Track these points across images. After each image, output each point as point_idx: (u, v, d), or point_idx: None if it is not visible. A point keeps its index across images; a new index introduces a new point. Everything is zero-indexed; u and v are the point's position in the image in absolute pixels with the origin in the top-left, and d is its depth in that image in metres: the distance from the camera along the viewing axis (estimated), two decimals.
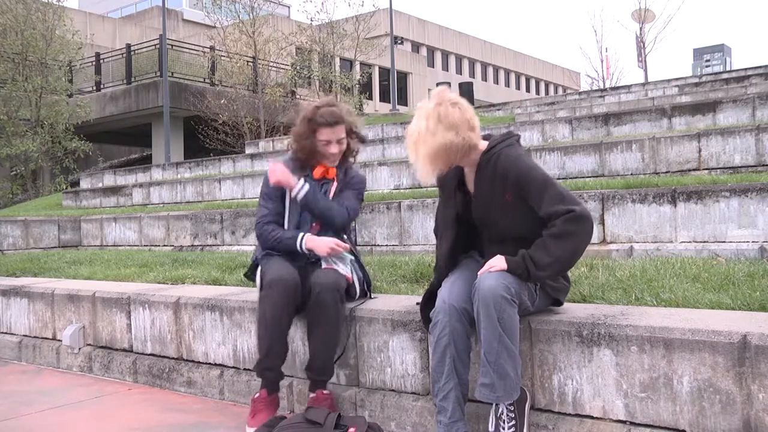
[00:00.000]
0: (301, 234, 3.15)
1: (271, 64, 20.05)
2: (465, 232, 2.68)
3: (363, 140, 3.39)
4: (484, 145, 2.54)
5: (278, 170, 3.16)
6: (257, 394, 2.98)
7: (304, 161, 3.26)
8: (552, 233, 2.36)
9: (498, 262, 2.40)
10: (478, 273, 2.42)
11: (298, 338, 3.20)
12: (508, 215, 2.49)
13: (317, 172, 3.27)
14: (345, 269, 3.12)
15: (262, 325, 2.94)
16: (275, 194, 3.25)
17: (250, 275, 3.39)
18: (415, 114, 2.47)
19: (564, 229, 2.34)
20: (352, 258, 3.26)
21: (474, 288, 2.38)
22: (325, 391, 2.96)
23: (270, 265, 3.06)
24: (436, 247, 2.87)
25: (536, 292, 2.52)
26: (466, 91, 24.85)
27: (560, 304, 2.63)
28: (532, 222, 2.45)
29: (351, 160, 3.39)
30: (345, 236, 3.31)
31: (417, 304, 2.90)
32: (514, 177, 2.44)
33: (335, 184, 3.30)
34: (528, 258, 2.37)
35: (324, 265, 3.11)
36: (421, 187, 7.25)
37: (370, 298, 3.25)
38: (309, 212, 3.23)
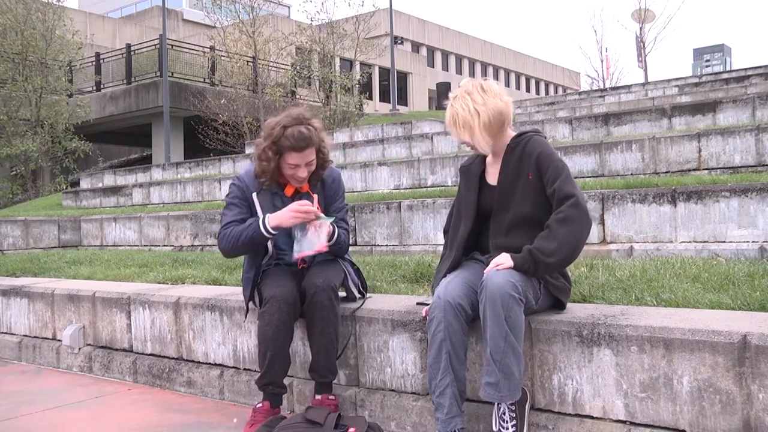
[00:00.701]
0: (261, 217, 2.93)
1: (271, 64, 20.04)
2: (478, 226, 2.71)
3: (326, 162, 3.10)
4: (511, 134, 2.66)
5: (306, 210, 2.91)
6: (259, 404, 2.95)
7: (273, 183, 3.03)
8: (558, 218, 2.40)
9: (504, 259, 2.42)
10: (485, 271, 2.43)
11: (297, 338, 3.19)
12: (525, 198, 2.55)
13: (289, 191, 3.06)
14: (326, 224, 2.92)
15: (262, 342, 2.89)
16: (241, 203, 3.05)
17: (247, 303, 3.21)
18: (451, 102, 2.57)
19: (570, 213, 2.40)
20: (348, 261, 3.24)
21: (481, 286, 2.39)
22: (330, 396, 2.95)
23: (267, 281, 3.00)
24: (444, 245, 2.87)
25: (540, 290, 2.53)
26: None
27: (563, 306, 2.63)
28: (541, 209, 2.52)
29: (323, 173, 3.12)
30: None
31: (417, 303, 2.90)
32: (537, 155, 2.54)
33: (315, 197, 3.08)
34: (534, 250, 2.39)
35: (299, 233, 2.90)
36: (421, 187, 7.26)
37: (368, 297, 3.24)
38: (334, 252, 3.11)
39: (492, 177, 2.69)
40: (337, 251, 3.14)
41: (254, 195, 3.04)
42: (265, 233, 2.92)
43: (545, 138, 2.68)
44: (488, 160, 2.73)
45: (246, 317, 3.37)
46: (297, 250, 2.96)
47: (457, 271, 2.61)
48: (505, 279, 2.33)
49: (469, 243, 2.72)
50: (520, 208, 2.56)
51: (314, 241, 2.92)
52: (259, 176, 3.02)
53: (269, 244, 3.07)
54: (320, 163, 3.07)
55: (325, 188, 3.14)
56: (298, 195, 3.07)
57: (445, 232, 2.90)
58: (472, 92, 2.53)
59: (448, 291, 2.46)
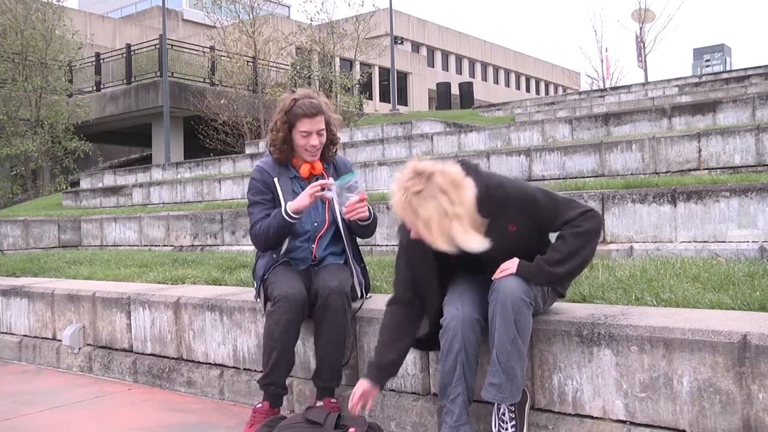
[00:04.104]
0: (282, 206, 3.03)
1: (271, 64, 20.04)
2: (448, 281, 2.57)
3: (335, 138, 3.21)
4: None
5: (319, 183, 2.97)
6: (259, 404, 2.93)
7: (284, 158, 3.16)
8: (575, 232, 2.33)
9: (511, 265, 2.38)
10: (493, 278, 2.39)
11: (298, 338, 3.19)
12: (514, 247, 2.43)
13: (304, 171, 3.15)
14: (355, 182, 2.94)
15: (268, 342, 2.88)
16: (264, 199, 3.13)
17: (257, 295, 3.24)
18: (413, 196, 2.25)
19: (587, 226, 2.33)
20: (351, 255, 3.23)
21: (493, 287, 2.37)
22: (333, 400, 2.94)
23: (277, 280, 2.99)
24: (387, 326, 2.62)
25: (548, 294, 2.53)
26: (466, 91, 24.89)
27: (563, 295, 2.65)
28: (536, 242, 2.46)
29: (334, 150, 3.25)
30: (355, 237, 3.27)
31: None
32: (515, 206, 2.37)
33: (330, 180, 3.14)
34: (543, 262, 2.34)
35: (335, 194, 2.93)
36: None
37: (367, 298, 3.24)
38: (359, 229, 3.15)
39: None
40: (367, 232, 3.19)
41: (275, 180, 3.15)
42: (289, 219, 3.00)
43: (476, 166, 2.43)
44: None
45: (264, 308, 3.31)
46: (340, 204, 2.97)
47: (465, 282, 2.55)
48: (518, 283, 2.33)
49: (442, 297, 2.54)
50: (509, 255, 2.41)
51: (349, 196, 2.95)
52: (270, 147, 3.17)
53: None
54: (330, 139, 3.19)
55: (338, 173, 3.22)
56: (313, 177, 3.16)
57: (393, 302, 2.62)
58: (447, 190, 2.22)
59: (465, 304, 2.43)
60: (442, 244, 2.25)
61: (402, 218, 2.33)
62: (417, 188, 2.23)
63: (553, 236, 2.50)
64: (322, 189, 2.98)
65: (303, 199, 2.98)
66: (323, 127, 3.10)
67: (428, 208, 2.21)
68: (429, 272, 2.50)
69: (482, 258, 2.39)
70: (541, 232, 2.49)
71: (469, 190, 2.27)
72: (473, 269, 2.53)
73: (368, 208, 3.02)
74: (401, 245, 2.57)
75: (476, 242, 2.27)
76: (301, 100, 3.07)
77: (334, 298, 2.87)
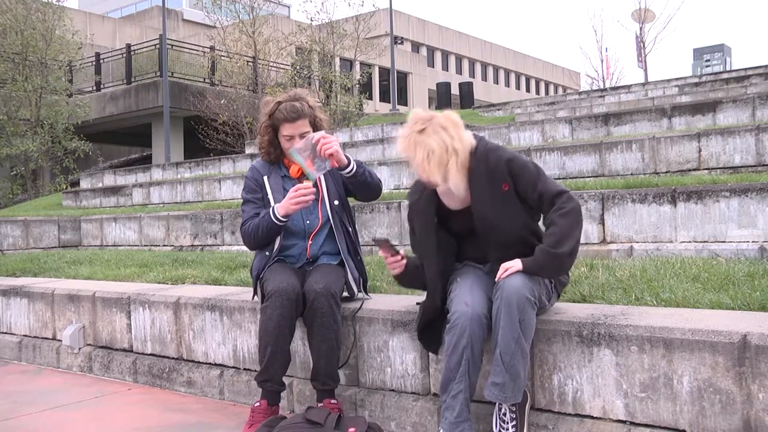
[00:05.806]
0: (271, 207, 3.06)
1: (271, 64, 20.04)
2: (450, 253, 2.65)
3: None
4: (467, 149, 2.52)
5: (303, 194, 2.98)
6: (257, 404, 2.94)
7: (274, 159, 3.21)
8: (561, 213, 2.39)
9: (514, 263, 2.39)
10: (497, 278, 2.40)
11: (297, 337, 3.19)
12: (507, 211, 2.47)
13: (294, 171, 3.19)
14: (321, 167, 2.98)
15: (263, 337, 2.90)
16: (255, 198, 3.19)
17: (254, 293, 3.28)
18: (419, 135, 2.46)
19: (569, 206, 2.40)
20: (348, 254, 3.21)
21: (497, 287, 2.38)
22: (333, 401, 2.93)
23: (271, 276, 3.00)
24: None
25: (552, 290, 2.54)
26: (466, 91, 24.87)
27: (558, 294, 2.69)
28: (528, 216, 2.50)
29: None
30: (350, 229, 3.27)
31: (417, 304, 2.89)
32: (506, 162, 2.47)
33: (320, 176, 3.16)
34: (548, 249, 2.36)
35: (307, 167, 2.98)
36: None
37: (367, 298, 3.24)
38: (358, 187, 3.14)
39: (453, 202, 2.56)
40: (364, 187, 3.19)
41: (265, 178, 3.21)
42: (277, 222, 3.05)
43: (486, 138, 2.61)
44: (440, 188, 2.56)
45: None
46: (313, 176, 3.03)
47: (473, 277, 2.57)
48: (523, 282, 2.34)
49: (445, 281, 2.62)
50: (511, 227, 2.47)
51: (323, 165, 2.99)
52: (260, 150, 3.24)
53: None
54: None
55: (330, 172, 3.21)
56: (303, 176, 3.17)
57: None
58: (447, 126, 2.45)
59: (474, 299, 2.44)
60: (436, 178, 2.42)
61: (405, 157, 2.50)
62: (420, 127, 2.46)
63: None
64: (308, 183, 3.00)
65: (289, 207, 3.00)
66: (307, 129, 3.13)
67: (430, 142, 2.42)
68: (428, 227, 2.60)
69: (477, 220, 2.51)
70: (525, 202, 2.51)
71: (468, 133, 2.49)
72: (471, 243, 2.60)
73: (344, 154, 3.02)
74: (409, 205, 2.72)
75: (461, 184, 2.45)
76: (284, 103, 3.12)
77: (321, 302, 2.87)
